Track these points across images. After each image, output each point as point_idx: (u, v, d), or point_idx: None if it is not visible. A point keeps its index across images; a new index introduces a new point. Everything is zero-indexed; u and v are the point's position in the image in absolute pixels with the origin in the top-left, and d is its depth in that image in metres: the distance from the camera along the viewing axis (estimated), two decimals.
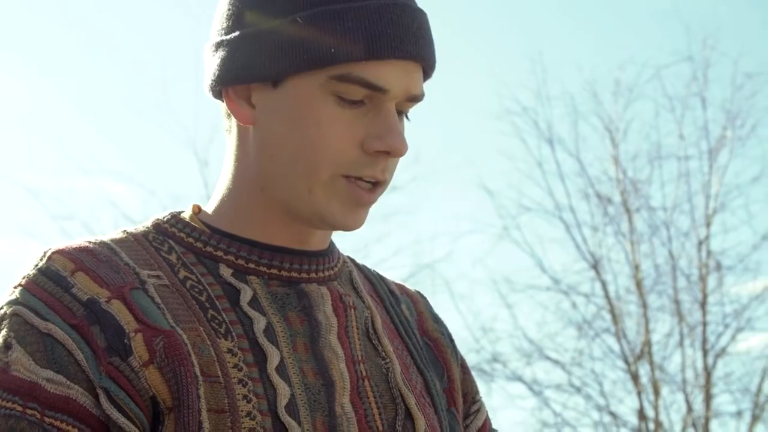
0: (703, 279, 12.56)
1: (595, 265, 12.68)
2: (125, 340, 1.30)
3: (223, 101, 1.42)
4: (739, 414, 12.44)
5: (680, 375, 12.48)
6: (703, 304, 12.50)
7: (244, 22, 1.38)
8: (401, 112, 1.39)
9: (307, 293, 1.41)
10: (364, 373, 1.40)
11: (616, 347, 12.55)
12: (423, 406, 1.43)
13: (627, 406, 12.65)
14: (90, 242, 1.38)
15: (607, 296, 12.63)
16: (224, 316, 1.35)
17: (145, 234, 1.42)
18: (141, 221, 1.46)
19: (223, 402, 1.30)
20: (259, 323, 1.36)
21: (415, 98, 1.38)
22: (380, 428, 1.38)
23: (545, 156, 13.17)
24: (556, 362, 12.69)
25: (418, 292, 1.59)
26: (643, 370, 12.53)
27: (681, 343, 12.50)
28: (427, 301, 1.59)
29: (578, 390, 12.62)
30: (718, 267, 12.60)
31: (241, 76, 1.38)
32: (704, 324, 12.47)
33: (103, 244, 1.38)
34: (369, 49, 1.33)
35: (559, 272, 12.84)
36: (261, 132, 1.39)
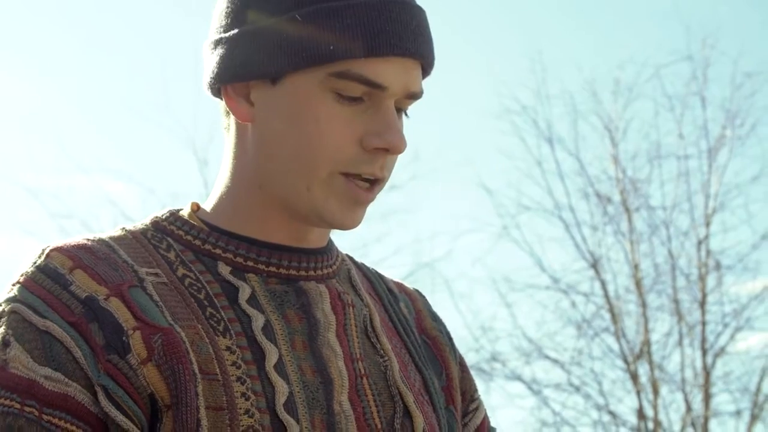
0: (702, 278, 12.56)
1: (595, 265, 12.68)
2: (123, 338, 1.30)
3: (221, 99, 1.42)
4: (738, 413, 12.44)
5: (679, 374, 12.48)
6: (703, 304, 12.49)
7: (242, 20, 1.38)
8: (400, 110, 1.39)
9: (306, 291, 1.41)
10: (363, 371, 1.40)
11: (615, 346, 12.55)
12: (421, 404, 1.43)
13: (626, 406, 12.66)
14: (88, 240, 1.38)
15: (606, 295, 12.62)
16: (223, 313, 1.35)
17: (143, 232, 1.42)
18: (140, 220, 1.46)
19: (221, 399, 1.30)
20: (258, 321, 1.36)
21: (414, 95, 1.38)
22: (378, 426, 1.38)
23: (545, 155, 13.16)
24: (555, 361, 12.70)
25: (417, 291, 1.59)
26: (643, 370, 12.53)
27: (680, 343, 12.50)
28: (426, 299, 1.59)
29: (577, 389, 12.62)
30: (718, 266, 12.60)
31: (240, 73, 1.38)
32: (703, 323, 12.47)
33: (101, 241, 1.38)
34: (368, 47, 1.33)
35: (559, 271, 12.84)
36: (260, 129, 1.39)
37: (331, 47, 1.33)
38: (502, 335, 12.81)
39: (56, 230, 12.31)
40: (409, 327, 1.52)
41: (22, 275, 1.35)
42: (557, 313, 12.77)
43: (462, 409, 1.55)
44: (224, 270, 1.39)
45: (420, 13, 1.38)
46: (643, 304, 12.55)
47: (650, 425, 12.41)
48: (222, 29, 1.40)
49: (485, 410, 1.59)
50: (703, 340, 12.44)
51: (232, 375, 1.31)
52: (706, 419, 12.35)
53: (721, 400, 12.80)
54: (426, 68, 1.40)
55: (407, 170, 12.44)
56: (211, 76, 1.41)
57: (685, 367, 12.46)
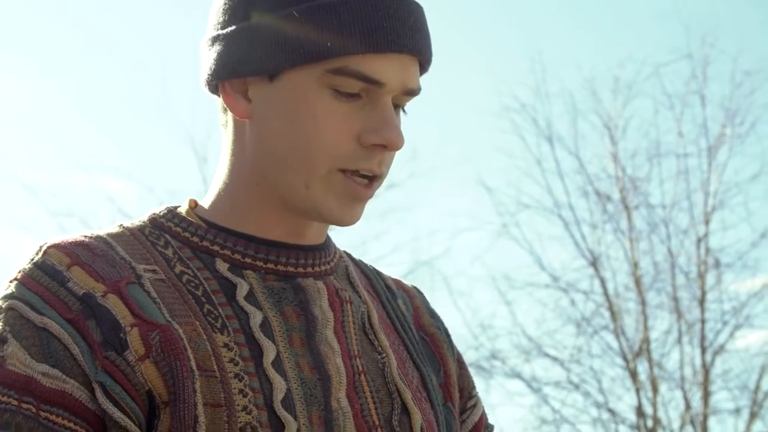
0: (701, 276, 12.56)
1: (594, 263, 12.68)
2: (121, 335, 1.30)
3: (219, 96, 1.41)
4: (737, 411, 12.45)
5: (679, 372, 12.48)
6: (702, 302, 12.50)
7: (240, 16, 1.38)
8: (398, 106, 1.39)
9: (304, 288, 1.41)
10: (361, 368, 1.40)
11: (614, 344, 12.56)
12: (419, 401, 1.43)
13: (625, 403, 12.66)
14: (86, 236, 1.38)
15: (605, 293, 12.63)
16: (220, 310, 1.35)
17: (141, 228, 1.42)
18: (138, 217, 1.46)
19: (219, 396, 1.30)
20: (256, 318, 1.36)
21: (412, 92, 1.38)
22: (376, 423, 1.38)
23: (544, 153, 13.16)
24: (554, 359, 12.70)
25: (415, 287, 1.59)
26: (642, 367, 12.54)
27: (679, 341, 12.50)
28: (424, 296, 1.59)
29: (577, 387, 12.62)
30: (717, 264, 12.60)
31: (238, 70, 1.38)
32: (703, 321, 12.48)
33: (99, 238, 1.38)
34: (365, 43, 1.33)
35: (558, 269, 12.85)
36: (257, 126, 1.38)
37: (329, 44, 1.33)
38: (502, 333, 12.83)
39: (55, 228, 12.32)
40: (407, 324, 1.52)
41: (19, 272, 1.35)
42: (557, 311, 12.78)
43: (460, 405, 1.55)
44: (222, 267, 1.39)
45: (417, 9, 1.38)
46: (643, 302, 12.55)
47: (649, 423, 12.41)
48: (219, 26, 1.40)
49: (483, 407, 1.59)
50: (703, 338, 12.44)
51: (230, 372, 1.31)
52: (705, 417, 12.36)
53: (720, 398, 12.82)
54: (423, 65, 1.40)
55: (406, 168, 12.46)
56: (209, 72, 1.41)
57: (685, 364, 12.47)
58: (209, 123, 12.85)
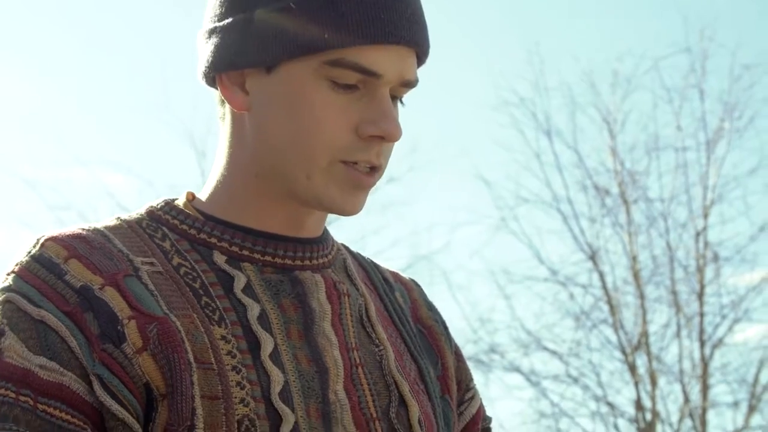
0: (700, 270, 12.57)
1: (593, 256, 12.69)
2: (119, 327, 1.30)
3: (216, 88, 1.41)
4: (735, 404, 12.46)
5: (677, 366, 12.50)
6: (701, 295, 12.51)
7: (237, 8, 1.38)
8: (395, 98, 1.39)
9: (301, 280, 1.40)
10: (358, 361, 1.40)
11: (613, 338, 12.57)
12: (417, 394, 1.43)
13: (624, 397, 12.68)
14: (83, 229, 1.38)
15: (604, 287, 12.64)
16: (218, 303, 1.35)
17: (138, 221, 1.41)
18: (136, 210, 1.45)
19: (216, 389, 1.30)
20: (253, 310, 1.36)
21: (409, 83, 1.38)
22: (374, 415, 1.38)
23: (543, 147, 13.17)
24: (553, 353, 12.71)
25: (412, 280, 1.59)
26: (641, 361, 12.55)
27: (678, 334, 12.51)
28: (421, 288, 1.59)
29: (576, 380, 12.63)
30: (716, 258, 12.61)
31: (235, 62, 1.37)
32: (701, 315, 12.48)
33: (96, 231, 1.38)
34: (363, 34, 1.33)
35: (557, 263, 12.86)
36: (255, 118, 1.38)
37: (326, 35, 1.33)
38: (501, 327, 12.84)
39: (54, 222, 12.32)
40: (405, 316, 1.52)
41: (16, 265, 1.35)
42: (555, 305, 12.80)
43: (457, 398, 1.55)
44: (219, 259, 1.38)
45: (415, 1, 1.38)
46: (641, 296, 12.56)
47: (648, 416, 12.42)
48: (216, 18, 1.40)
49: (481, 399, 1.59)
50: (701, 332, 12.45)
51: (228, 364, 1.31)
52: (704, 410, 12.37)
53: (719, 391, 12.85)
54: (421, 56, 1.39)
55: (405, 162, 12.47)
56: (206, 65, 1.40)
57: (683, 358, 12.48)
58: (208, 117, 12.87)
